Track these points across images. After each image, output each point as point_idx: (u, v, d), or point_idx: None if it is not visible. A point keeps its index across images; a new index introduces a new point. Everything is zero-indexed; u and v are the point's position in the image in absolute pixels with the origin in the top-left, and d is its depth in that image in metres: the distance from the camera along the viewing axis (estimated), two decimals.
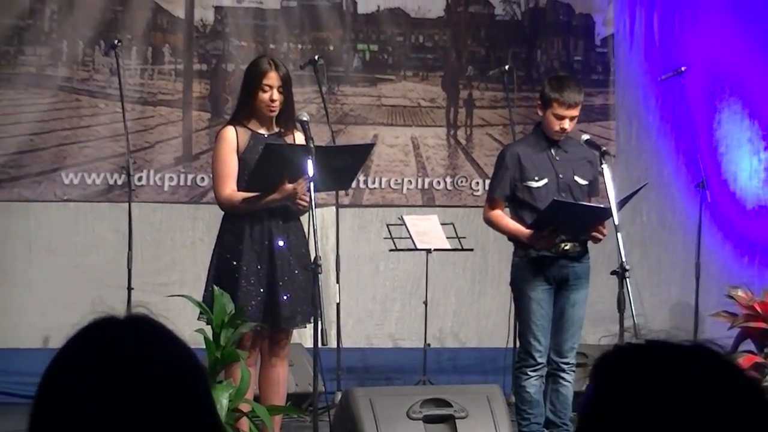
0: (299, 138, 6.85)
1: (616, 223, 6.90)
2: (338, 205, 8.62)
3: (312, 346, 6.74)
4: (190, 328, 5.80)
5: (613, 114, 10.61)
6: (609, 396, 1.70)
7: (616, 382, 1.71)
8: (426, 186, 10.31)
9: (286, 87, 6.86)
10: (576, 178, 7.14)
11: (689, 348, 1.72)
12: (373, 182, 10.20)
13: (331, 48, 10.22)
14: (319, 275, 6.59)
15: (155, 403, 1.68)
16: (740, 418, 1.66)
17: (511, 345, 8.10)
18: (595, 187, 7.22)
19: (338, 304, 8.10)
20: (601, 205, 7.04)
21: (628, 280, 6.91)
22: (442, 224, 9.11)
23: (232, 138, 6.83)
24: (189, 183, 9.89)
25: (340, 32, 10.28)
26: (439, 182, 10.33)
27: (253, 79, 6.86)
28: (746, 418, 1.67)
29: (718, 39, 10.72)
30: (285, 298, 6.76)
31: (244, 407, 6.12)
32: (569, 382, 7.10)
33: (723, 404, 1.66)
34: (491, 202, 7.23)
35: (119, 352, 1.72)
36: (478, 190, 10.17)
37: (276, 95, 6.80)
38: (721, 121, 10.70)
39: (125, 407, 1.67)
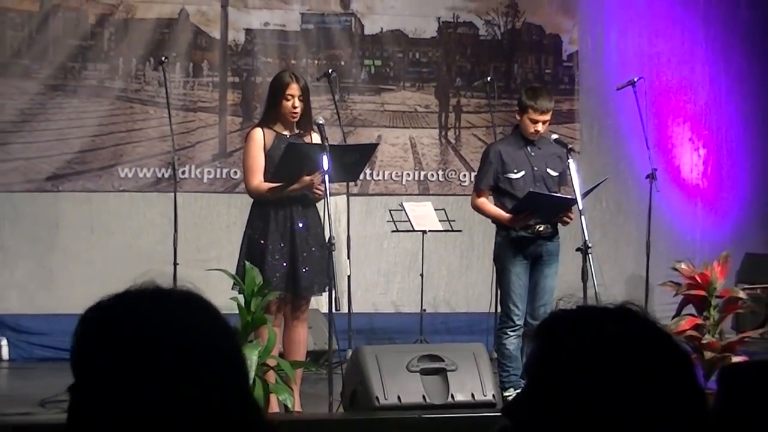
0: (316, 138, 6.82)
1: (581, 208, 6.91)
2: (349, 194, 8.58)
3: (327, 311, 6.71)
4: (225, 297, 5.79)
5: (577, 117, 10.58)
6: (549, 355, 1.68)
7: (554, 343, 1.69)
8: (422, 178, 10.28)
9: (305, 96, 6.82)
10: (548, 170, 7.13)
11: (613, 310, 1.71)
12: (378, 175, 10.16)
13: (343, 63, 10.18)
14: (333, 252, 6.57)
15: (190, 354, 1.64)
16: (656, 364, 1.65)
17: (493, 310, 8.06)
18: (564, 177, 7.20)
19: (349, 276, 8.06)
20: (569, 196, 7.04)
21: (590, 256, 6.91)
22: (435, 210, 9.09)
23: (259, 138, 6.81)
24: (224, 176, 9.87)
25: (349, 50, 10.25)
26: (432, 175, 10.29)
27: (278, 89, 6.82)
28: (661, 364, 1.66)
29: (665, 55, 10.70)
30: (304, 270, 6.73)
31: (271, 362, 6.09)
32: None
33: (642, 353, 1.65)
34: (478, 192, 7.21)
35: (159, 313, 1.68)
36: (465, 181, 10.13)
37: (297, 103, 6.77)
38: (667, 123, 10.67)
39: (162, 358, 1.63)
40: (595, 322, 1.69)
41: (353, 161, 6.97)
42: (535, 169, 7.09)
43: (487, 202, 7.16)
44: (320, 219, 6.86)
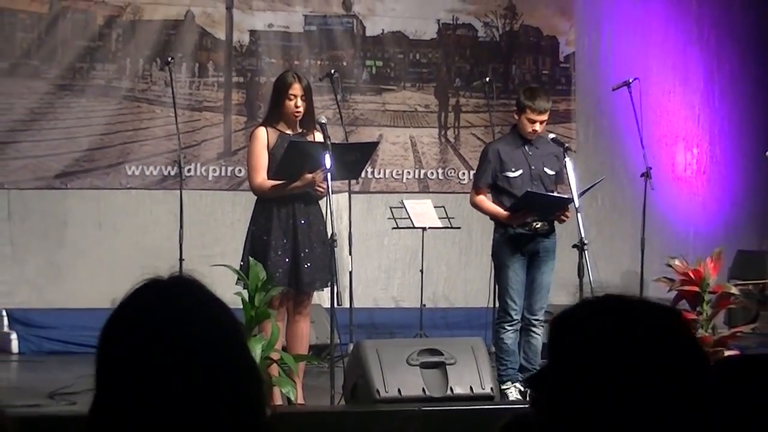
0: (318, 137, 6.81)
1: (577, 206, 6.91)
2: (350, 192, 8.54)
3: (329, 306, 6.72)
4: (230, 292, 5.79)
5: (574, 117, 10.58)
6: (571, 342, 1.68)
7: (577, 330, 1.69)
8: (422, 176, 10.28)
9: (307, 96, 6.82)
10: (545, 169, 7.13)
11: (637, 301, 1.71)
12: (379, 173, 10.17)
13: (345, 64, 10.18)
14: (335, 248, 6.57)
15: (201, 346, 1.65)
16: (676, 354, 1.66)
17: (491, 305, 8.05)
18: (560, 176, 7.20)
19: (350, 272, 8.03)
20: (565, 195, 7.05)
21: (586, 252, 6.92)
22: (435, 207, 9.08)
23: (263, 137, 6.81)
24: (229, 174, 9.87)
25: (351, 51, 10.25)
26: (432, 173, 10.29)
27: (281, 89, 6.82)
28: (682, 354, 1.66)
29: (660, 55, 10.70)
30: (306, 266, 6.73)
31: (274, 356, 6.10)
32: (539, 335, 7.08)
33: (663, 343, 1.66)
34: (476, 189, 7.21)
35: (168, 304, 1.69)
36: (464, 180, 10.14)
37: (300, 103, 6.76)
38: (662, 122, 10.67)
39: (176, 350, 1.64)
40: (621, 312, 1.70)
41: (354, 159, 6.97)
42: (533, 168, 7.09)
43: (485, 200, 7.16)
44: (322, 216, 6.86)
